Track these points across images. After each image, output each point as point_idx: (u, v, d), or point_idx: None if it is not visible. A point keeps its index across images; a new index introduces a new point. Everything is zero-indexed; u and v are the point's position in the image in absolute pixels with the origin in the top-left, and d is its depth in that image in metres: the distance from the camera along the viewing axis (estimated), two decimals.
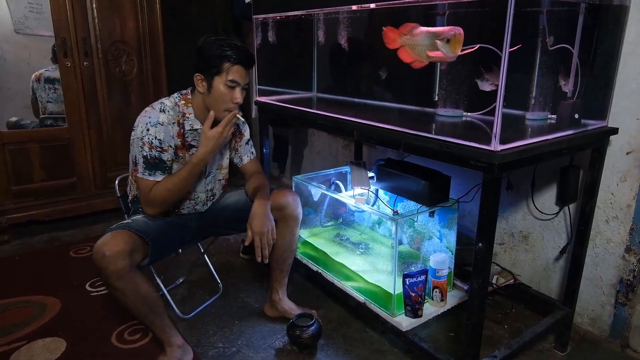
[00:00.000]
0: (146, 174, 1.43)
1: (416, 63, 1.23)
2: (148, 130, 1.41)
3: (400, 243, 1.82)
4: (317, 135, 3.08)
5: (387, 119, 1.44)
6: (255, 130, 3.84)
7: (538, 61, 1.38)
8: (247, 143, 1.73)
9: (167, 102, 1.49)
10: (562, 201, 1.66)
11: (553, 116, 1.40)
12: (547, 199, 1.74)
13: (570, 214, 1.68)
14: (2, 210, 2.47)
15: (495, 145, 1.04)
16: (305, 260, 1.90)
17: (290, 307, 1.76)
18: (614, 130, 1.39)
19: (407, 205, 1.71)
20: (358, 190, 1.68)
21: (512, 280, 1.75)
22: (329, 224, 2.05)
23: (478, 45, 1.19)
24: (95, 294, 1.99)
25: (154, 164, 1.43)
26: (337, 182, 1.91)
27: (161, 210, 1.49)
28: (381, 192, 1.77)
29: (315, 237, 1.96)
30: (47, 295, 1.97)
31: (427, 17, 1.50)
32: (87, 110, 2.60)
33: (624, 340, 1.62)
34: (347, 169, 1.97)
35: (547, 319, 1.53)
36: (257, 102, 1.99)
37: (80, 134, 2.61)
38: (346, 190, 1.88)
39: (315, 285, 2.00)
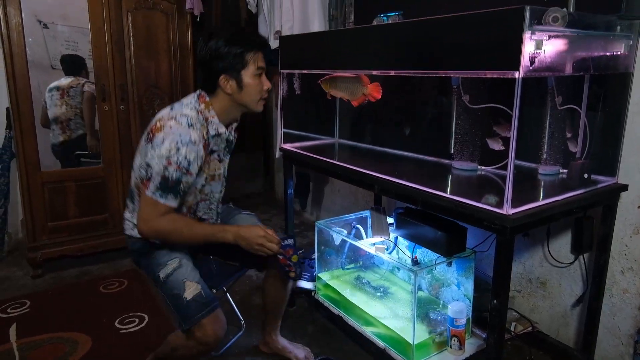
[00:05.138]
0: (157, 194, 1.33)
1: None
2: (178, 149, 1.31)
3: (420, 289, 1.87)
4: None
5: (405, 173, 1.53)
6: (280, 171, 3.96)
7: (548, 118, 1.47)
8: None
9: (189, 111, 1.39)
10: (577, 250, 1.70)
11: (564, 170, 1.47)
12: (563, 246, 1.79)
13: (585, 262, 1.72)
14: (38, 245, 2.62)
15: (507, 210, 1.11)
16: (326, 303, 1.96)
17: (284, 346, 1.85)
18: (624, 187, 1.45)
19: (426, 252, 1.77)
20: (378, 238, 1.75)
21: (529, 328, 1.78)
22: (349, 266, 2.12)
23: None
24: (124, 331, 2.08)
25: (170, 187, 1.33)
26: (358, 226, 1.99)
27: (155, 239, 1.44)
28: (400, 238, 1.84)
29: (336, 280, 2.03)
30: (78, 332, 2.06)
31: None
32: (121, 150, 2.77)
33: None
34: (367, 213, 2.06)
35: None
36: (281, 149, 2.11)
37: (113, 172, 2.77)
38: (366, 235, 1.96)
39: (338, 327, 2.05)
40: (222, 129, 1.46)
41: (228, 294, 2.11)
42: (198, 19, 2.87)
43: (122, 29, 2.66)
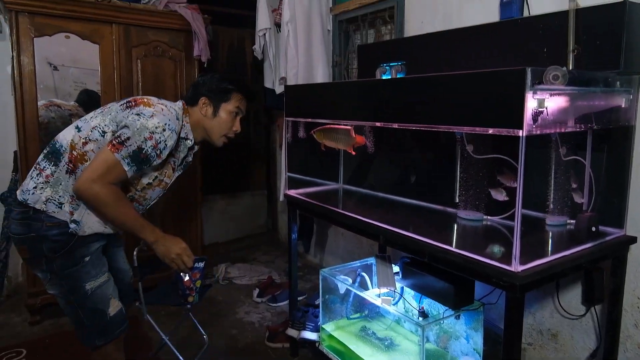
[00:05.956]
0: (126, 160, 1.33)
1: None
2: (164, 130, 1.38)
3: (427, 340, 1.82)
4: None
5: (411, 223, 1.52)
6: (284, 212, 3.96)
7: (553, 168, 1.47)
8: None
9: (177, 109, 1.51)
10: (588, 302, 1.66)
11: (572, 221, 1.46)
12: (573, 297, 1.75)
13: (597, 315, 1.68)
14: (38, 290, 2.58)
15: (516, 267, 1.09)
16: (331, 355, 1.91)
17: None
18: (633, 239, 1.43)
19: (433, 302, 1.73)
20: (384, 289, 1.72)
21: None
22: (354, 316, 2.07)
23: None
24: None
25: (141, 160, 1.36)
26: (363, 274, 1.95)
27: (88, 203, 1.37)
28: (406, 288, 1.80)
29: (341, 331, 1.98)
30: None
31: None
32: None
33: None
34: (372, 260, 2.03)
35: None
36: (286, 196, 2.11)
37: None
38: (372, 284, 1.92)
39: None
40: (190, 136, 1.57)
41: (190, 313, 2.06)
42: (205, 65, 2.95)
43: (132, 75, 2.74)
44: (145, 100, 1.45)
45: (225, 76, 1.61)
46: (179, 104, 1.57)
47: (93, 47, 2.61)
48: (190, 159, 1.64)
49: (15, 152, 2.76)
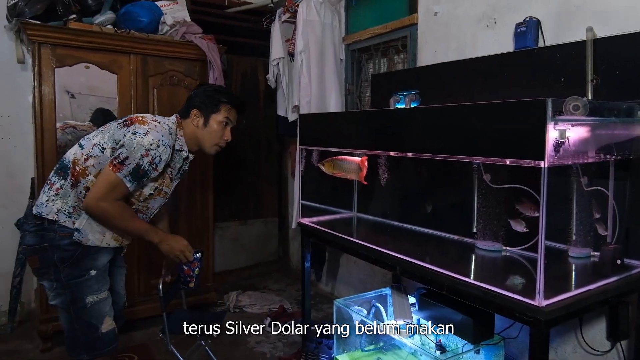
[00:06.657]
0: (128, 178, 1.46)
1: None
2: (158, 147, 1.49)
3: None
4: None
5: (428, 253, 1.50)
6: (295, 239, 3.94)
7: (575, 199, 1.44)
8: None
9: (171, 124, 1.61)
10: (613, 338, 1.60)
11: (596, 253, 1.42)
12: (598, 332, 1.68)
13: (624, 351, 1.61)
14: (49, 317, 2.56)
15: (540, 301, 1.06)
16: None
17: None
18: None
19: (451, 335, 1.68)
20: (400, 321, 1.68)
21: None
22: (369, 347, 2.01)
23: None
24: None
25: (139, 175, 1.49)
26: (378, 305, 1.91)
27: (98, 219, 1.51)
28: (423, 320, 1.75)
29: None
30: None
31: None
32: None
33: None
34: (387, 291, 1.99)
35: None
36: (300, 224, 2.10)
37: (131, 246, 2.76)
38: (387, 315, 1.88)
39: None
40: (185, 147, 1.66)
41: (205, 344, 2.04)
42: None
43: (148, 103, 2.79)
44: (141, 118, 1.56)
45: (215, 88, 1.71)
46: (173, 118, 1.66)
47: (111, 76, 2.68)
48: (186, 167, 1.73)
49: (32, 179, 2.80)
